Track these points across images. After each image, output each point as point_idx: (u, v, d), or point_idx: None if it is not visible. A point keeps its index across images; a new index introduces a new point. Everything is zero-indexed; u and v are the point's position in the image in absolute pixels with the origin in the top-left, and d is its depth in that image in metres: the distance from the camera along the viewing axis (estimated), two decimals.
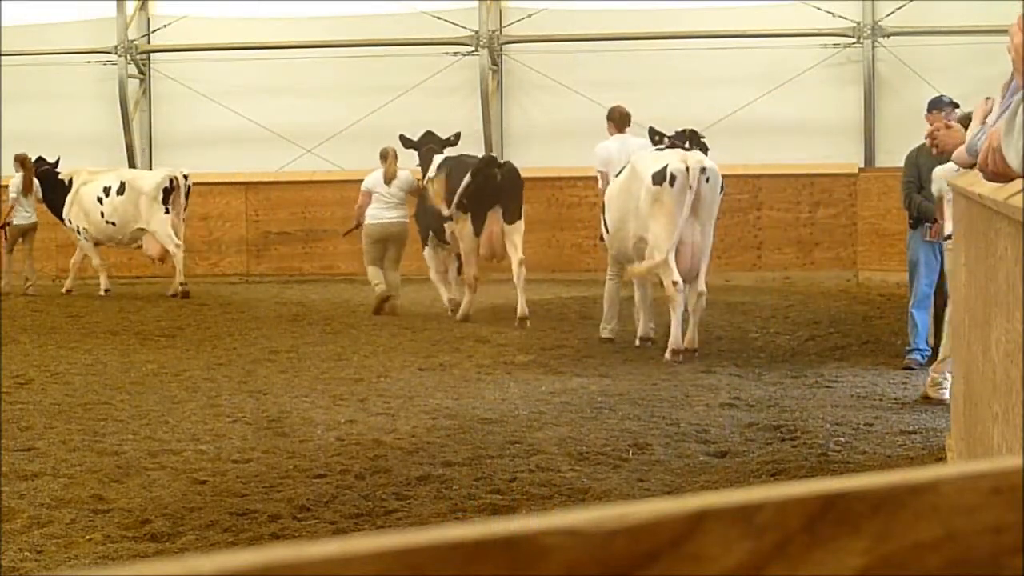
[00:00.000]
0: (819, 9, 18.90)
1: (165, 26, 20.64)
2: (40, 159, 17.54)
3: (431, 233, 14.31)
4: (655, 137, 12.16)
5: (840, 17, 18.93)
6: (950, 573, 0.97)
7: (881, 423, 8.57)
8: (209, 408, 9.22)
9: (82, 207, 17.15)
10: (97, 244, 17.34)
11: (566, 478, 7.12)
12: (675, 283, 11.21)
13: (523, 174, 16.19)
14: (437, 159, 14.34)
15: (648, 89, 18.88)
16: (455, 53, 19.93)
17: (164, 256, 16.94)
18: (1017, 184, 3.75)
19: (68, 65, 20.54)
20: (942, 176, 9.36)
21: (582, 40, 19.46)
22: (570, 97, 19.30)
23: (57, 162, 17.58)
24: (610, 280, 12.64)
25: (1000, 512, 0.98)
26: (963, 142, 6.31)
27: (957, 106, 10.65)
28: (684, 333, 11.36)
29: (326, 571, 0.83)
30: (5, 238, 17.46)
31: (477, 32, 19.82)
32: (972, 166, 5.51)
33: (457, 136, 14.68)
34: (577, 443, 7.94)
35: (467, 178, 13.54)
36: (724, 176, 12.03)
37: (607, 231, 12.13)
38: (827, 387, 9.92)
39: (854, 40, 18.98)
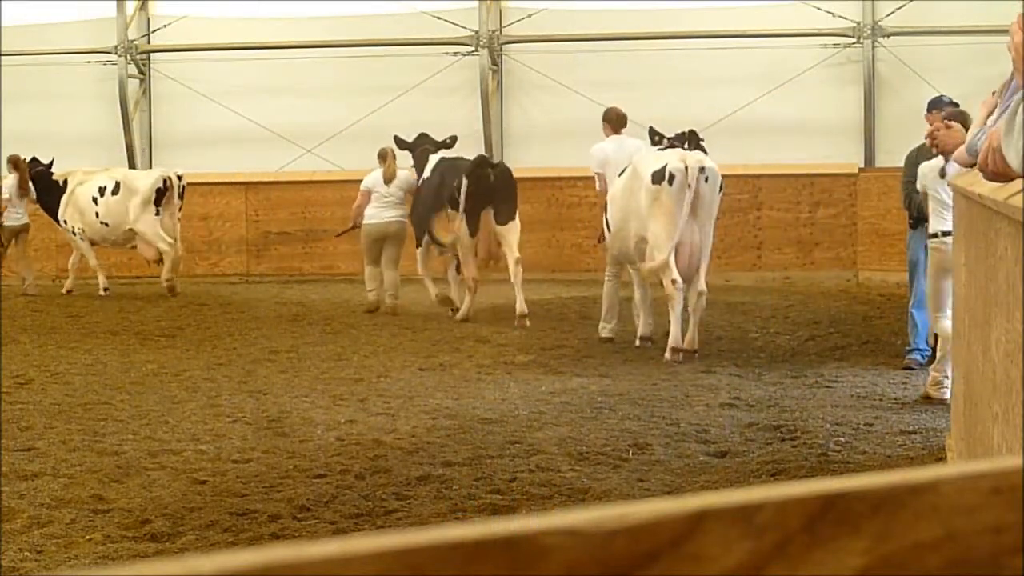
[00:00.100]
0: (819, 9, 18.90)
1: (165, 26, 20.63)
2: (34, 160, 17.53)
3: (427, 234, 14.34)
4: (654, 138, 12.16)
5: (840, 17, 18.93)
6: (950, 573, 0.97)
7: (881, 423, 8.57)
8: (209, 408, 9.22)
9: (77, 207, 17.15)
10: (92, 244, 17.34)
11: (566, 478, 7.12)
12: (674, 282, 11.21)
13: (523, 174, 16.19)
14: (433, 159, 14.38)
15: (648, 89, 18.88)
16: (455, 53, 19.93)
17: (160, 257, 16.95)
18: (1017, 184, 3.75)
19: (68, 65, 20.54)
20: (927, 172, 9.39)
21: (582, 40, 19.46)
22: (570, 97, 19.30)
23: (51, 163, 17.57)
24: (609, 280, 12.65)
25: (1000, 512, 0.98)
26: (963, 142, 6.32)
27: (957, 106, 10.65)
28: (684, 333, 11.36)
29: (326, 571, 0.83)
30: (1, 243, 17.45)
31: (477, 32, 19.82)
32: (972, 166, 5.51)
33: (453, 139, 14.69)
34: (577, 443, 7.94)
35: (464, 182, 13.56)
36: (724, 176, 12.02)
37: (609, 231, 12.13)
38: (827, 387, 9.92)
39: (854, 40, 18.98)
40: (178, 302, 16.10)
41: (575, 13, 19.62)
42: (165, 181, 16.84)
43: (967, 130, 8.93)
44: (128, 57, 20.50)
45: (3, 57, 19.79)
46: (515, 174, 14.36)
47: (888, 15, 18.85)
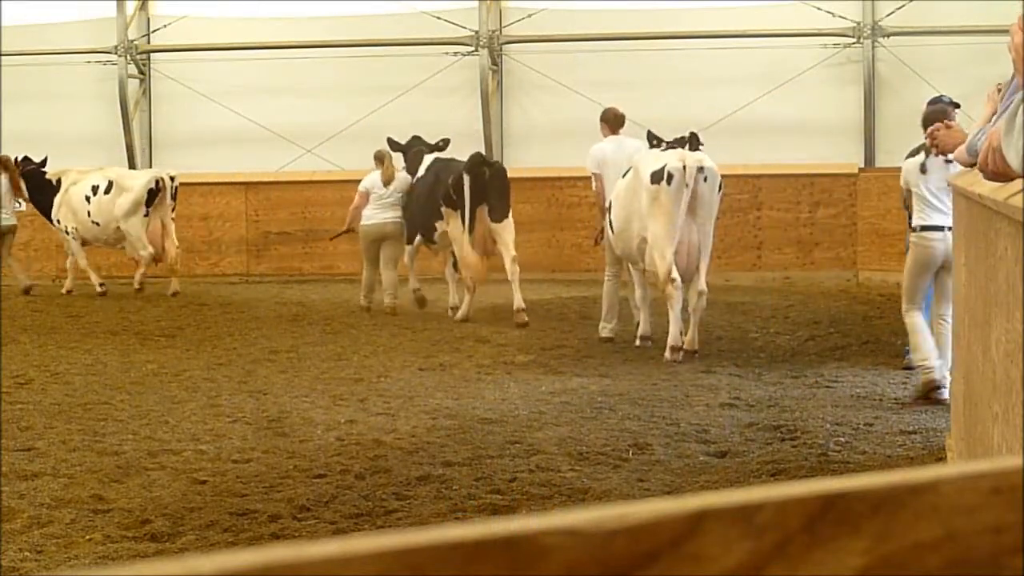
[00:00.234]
0: (819, 9, 18.90)
1: (165, 26, 20.63)
2: (26, 159, 17.53)
3: (419, 234, 14.38)
4: (653, 141, 12.18)
5: (840, 17, 18.93)
6: (950, 573, 0.97)
7: (881, 423, 8.57)
8: (209, 408, 9.22)
9: (71, 207, 17.15)
10: (84, 244, 17.35)
11: (566, 478, 7.12)
12: (673, 281, 11.22)
13: (523, 174, 16.21)
14: (427, 160, 14.44)
15: (648, 89, 18.89)
16: (455, 53, 19.93)
17: (160, 256, 16.96)
18: (1017, 184, 3.75)
19: (68, 65, 20.54)
20: (909, 169, 9.42)
21: (582, 40, 19.46)
22: (570, 97, 19.29)
23: (44, 162, 17.55)
24: (609, 280, 12.66)
25: (1000, 512, 0.98)
26: (963, 142, 6.32)
27: (958, 106, 10.65)
28: (684, 333, 11.36)
29: (326, 571, 0.83)
30: None
31: (477, 32, 19.82)
32: (972, 166, 5.51)
33: (446, 142, 14.73)
34: (577, 443, 7.94)
35: (466, 178, 13.58)
36: (724, 176, 12.02)
37: (612, 231, 12.14)
38: (827, 387, 9.92)
39: (854, 40, 18.98)
40: (178, 302, 16.10)
41: (575, 13, 19.62)
42: (158, 182, 16.83)
43: (940, 121, 9.09)
44: (128, 57, 20.50)
45: (3, 57, 19.80)
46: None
47: (888, 15, 18.85)
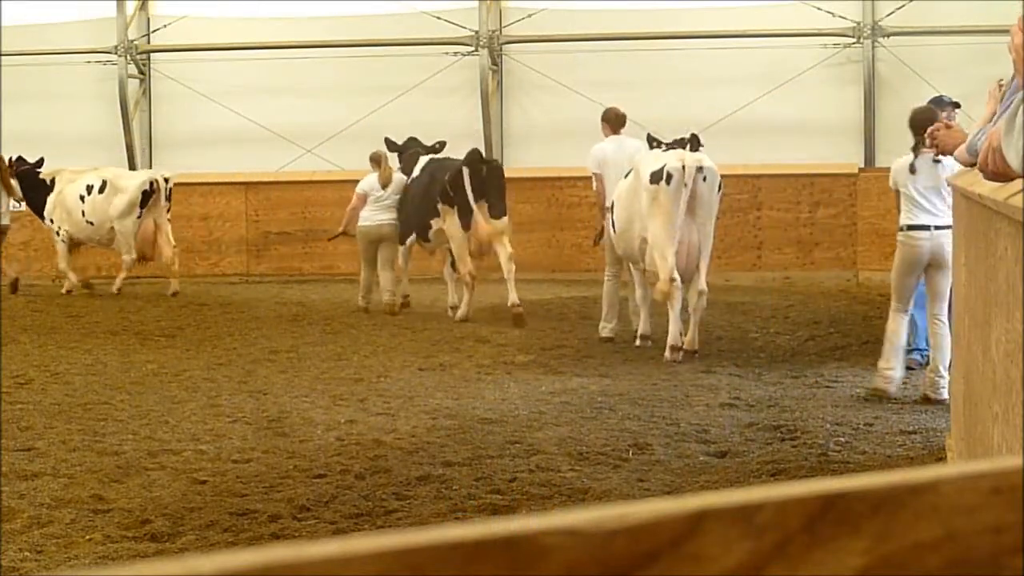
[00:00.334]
0: (819, 9, 18.90)
1: (165, 26, 20.63)
2: (20, 159, 17.53)
3: (415, 234, 14.41)
4: (652, 143, 12.20)
5: (840, 17, 18.93)
6: (950, 573, 0.97)
7: (881, 423, 8.57)
8: (209, 408, 9.22)
9: (65, 207, 17.16)
10: (79, 244, 17.36)
11: (566, 478, 7.12)
12: (672, 281, 11.22)
13: (523, 174, 16.22)
14: (422, 161, 14.48)
15: (648, 89, 18.89)
16: (455, 53, 19.92)
17: (152, 256, 16.96)
18: (1017, 184, 3.75)
19: (68, 65, 20.54)
20: (897, 169, 9.49)
21: (582, 40, 19.46)
22: (570, 97, 19.29)
23: (39, 162, 17.55)
24: (609, 280, 12.67)
25: (1000, 512, 0.98)
26: (963, 142, 6.32)
27: (958, 105, 10.66)
28: (684, 334, 11.37)
29: (326, 571, 0.83)
30: None
31: (477, 32, 19.82)
32: (972, 165, 5.51)
33: (442, 144, 14.77)
34: (577, 443, 7.94)
35: (466, 171, 13.61)
36: (724, 176, 12.03)
37: (614, 231, 12.14)
38: (827, 387, 9.92)
39: (854, 40, 18.98)
40: (178, 302, 16.10)
41: (575, 13, 19.62)
42: (152, 183, 16.83)
43: (927, 123, 9.19)
44: (128, 57, 20.50)
45: (3, 57, 19.79)
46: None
47: (888, 15, 18.85)
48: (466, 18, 19.84)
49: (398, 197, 14.64)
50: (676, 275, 11.28)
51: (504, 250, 13.74)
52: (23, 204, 17.57)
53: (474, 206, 13.62)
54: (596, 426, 8.46)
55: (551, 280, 17.86)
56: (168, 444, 8.04)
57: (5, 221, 17.39)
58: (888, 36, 18.83)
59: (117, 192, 16.77)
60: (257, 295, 17.05)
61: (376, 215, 14.62)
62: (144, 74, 20.89)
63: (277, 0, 19.99)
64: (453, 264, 14.30)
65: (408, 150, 14.89)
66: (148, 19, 20.91)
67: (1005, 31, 4.77)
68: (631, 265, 12.33)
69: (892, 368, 9.41)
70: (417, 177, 14.43)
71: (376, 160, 14.77)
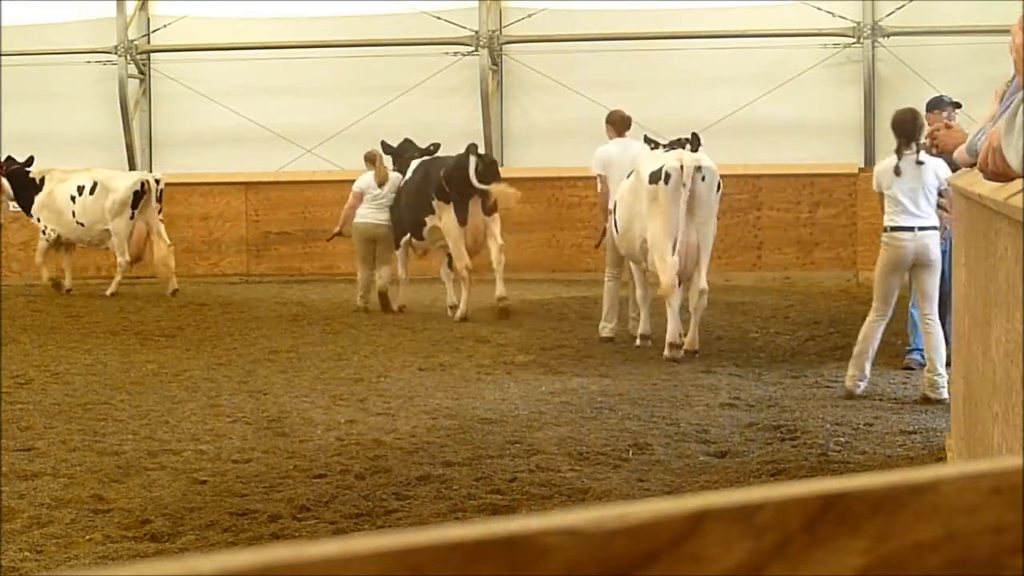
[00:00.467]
0: (819, 9, 18.90)
1: (165, 26, 20.63)
2: (9, 158, 17.54)
3: (408, 232, 14.43)
4: (650, 144, 12.23)
5: (840, 17, 18.93)
6: (950, 573, 0.97)
7: (881, 423, 8.57)
8: (209, 408, 9.22)
9: (55, 207, 17.16)
10: (71, 245, 17.36)
11: (566, 478, 7.12)
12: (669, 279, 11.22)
13: (523, 174, 16.22)
14: (414, 163, 14.53)
15: (648, 89, 18.89)
16: (455, 53, 19.92)
17: (140, 255, 16.97)
18: (1017, 184, 3.75)
19: (68, 65, 20.54)
20: (881, 171, 9.54)
21: (582, 40, 19.46)
22: (570, 97, 19.30)
23: (28, 161, 17.54)
24: (609, 280, 12.68)
25: (1000, 512, 0.98)
26: (963, 142, 6.32)
27: (959, 105, 10.66)
28: (683, 334, 11.37)
29: (326, 571, 0.83)
30: None
31: (477, 32, 19.82)
32: (973, 166, 5.51)
33: (436, 146, 14.82)
34: (577, 443, 7.93)
35: (472, 159, 13.66)
36: (724, 176, 12.02)
37: (616, 231, 12.15)
38: (827, 387, 9.91)
39: (854, 40, 18.98)
40: (178, 302, 16.10)
41: (575, 13, 19.62)
42: (143, 184, 16.83)
43: (911, 126, 9.21)
44: (128, 57, 20.50)
45: (3, 57, 19.79)
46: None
47: (888, 15, 18.85)
48: (466, 18, 19.84)
49: (395, 196, 14.67)
50: (674, 274, 11.27)
51: (495, 243, 13.82)
52: (14, 204, 17.58)
53: (481, 187, 13.62)
54: (596, 426, 8.46)
55: (551, 280, 17.86)
56: (168, 444, 8.04)
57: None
58: (888, 36, 18.83)
59: (108, 193, 16.77)
60: (257, 295, 17.05)
61: (374, 213, 14.65)
62: (144, 74, 20.89)
63: (277, 0, 19.99)
64: (450, 263, 14.32)
65: (403, 152, 14.94)
66: (148, 19, 20.91)
67: (1005, 31, 4.77)
68: (632, 264, 12.33)
69: (860, 372, 9.46)
70: (410, 179, 14.47)
71: (371, 159, 14.80)
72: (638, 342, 12.06)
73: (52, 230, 17.22)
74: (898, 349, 11.12)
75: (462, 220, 13.77)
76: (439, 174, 13.87)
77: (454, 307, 14.19)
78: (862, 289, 17.35)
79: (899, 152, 9.37)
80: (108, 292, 16.72)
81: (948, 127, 7.36)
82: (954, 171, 7.90)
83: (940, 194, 9.37)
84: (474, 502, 6.64)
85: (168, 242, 17.04)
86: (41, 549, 5.95)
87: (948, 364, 8.79)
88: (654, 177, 11.36)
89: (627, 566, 0.89)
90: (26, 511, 6.50)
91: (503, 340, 12.51)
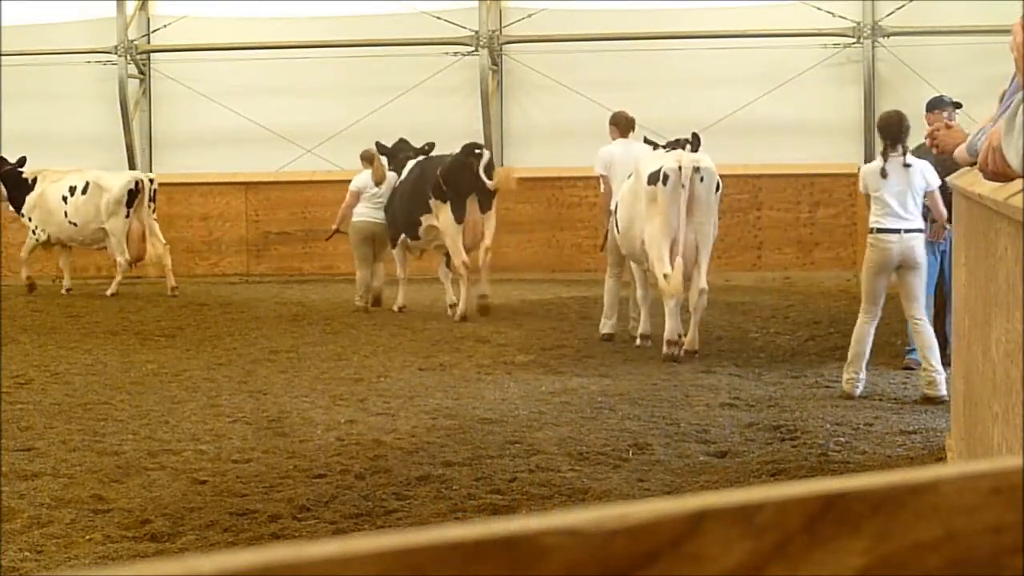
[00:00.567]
0: (819, 9, 18.90)
1: (165, 26, 20.64)
2: (1, 159, 17.54)
3: (402, 232, 14.45)
4: (650, 145, 12.24)
5: (840, 17, 18.93)
6: (950, 573, 0.97)
7: (881, 423, 8.57)
8: (209, 408, 9.22)
9: (46, 207, 17.16)
10: (65, 246, 17.36)
11: (566, 478, 7.12)
12: (666, 276, 11.22)
13: (523, 174, 16.21)
14: (410, 163, 14.54)
15: (648, 89, 18.89)
16: (455, 53, 19.93)
17: (142, 256, 16.96)
18: (1017, 184, 3.75)
19: (68, 65, 20.55)
20: (867, 173, 9.57)
21: (582, 40, 19.46)
22: (570, 97, 19.30)
23: (20, 161, 17.53)
24: (610, 278, 12.70)
25: (1000, 512, 0.98)
26: (963, 142, 6.32)
27: (959, 105, 10.67)
28: (684, 334, 11.37)
29: (326, 571, 0.83)
30: None
31: (477, 32, 19.82)
32: (973, 165, 5.52)
33: (431, 146, 14.81)
34: (577, 443, 7.93)
35: (485, 154, 13.72)
36: (724, 176, 12.02)
37: (618, 231, 12.16)
38: (827, 387, 9.92)
39: (854, 40, 18.99)
40: (178, 302, 16.10)
41: (575, 13, 19.63)
42: (137, 183, 16.83)
43: (899, 128, 9.12)
44: (128, 57, 20.50)
45: (3, 57, 19.80)
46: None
47: (888, 15, 18.86)
48: (466, 18, 19.85)
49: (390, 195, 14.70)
50: (670, 269, 11.27)
51: (484, 243, 13.90)
52: (9, 205, 17.58)
53: (489, 184, 13.65)
54: (596, 426, 8.46)
55: (551, 280, 17.86)
56: (168, 444, 8.04)
57: None
58: (888, 36, 18.83)
59: (102, 193, 16.77)
60: (257, 295, 17.05)
61: (373, 212, 14.66)
62: (144, 74, 20.90)
63: (277, 0, 19.99)
64: (448, 263, 14.33)
65: (399, 152, 14.94)
66: (148, 19, 20.92)
67: (1005, 31, 4.76)
68: (633, 264, 12.34)
69: (857, 374, 9.50)
70: (405, 178, 14.48)
71: (368, 159, 14.80)
72: (638, 342, 12.06)
73: (42, 230, 17.22)
74: (898, 349, 11.13)
75: (459, 218, 13.79)
76: (436, 173, 13.87)
77: (453, 305, 14.19)
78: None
79: (885, 154, 9.42)
80: (108, 292, 16.72)
81: (948, 127, 7.36)
82: (953, 171, 7.91)
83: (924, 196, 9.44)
84: (474, 502, 6.64)
85: (163, 241, 17.04)
86: (41, 549, 5.95)
87: (949, 364, 8.79)
88: (652, 178, 11.37)
89: (627, 566, 0.89)
90: (26, 511, 6.50)
91: (503, 340, 12.51)
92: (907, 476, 0.98)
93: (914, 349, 10.58)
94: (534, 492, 6.82)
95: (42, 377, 10.62)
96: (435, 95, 19.76)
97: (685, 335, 11.41)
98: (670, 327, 11.26)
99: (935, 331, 10.57)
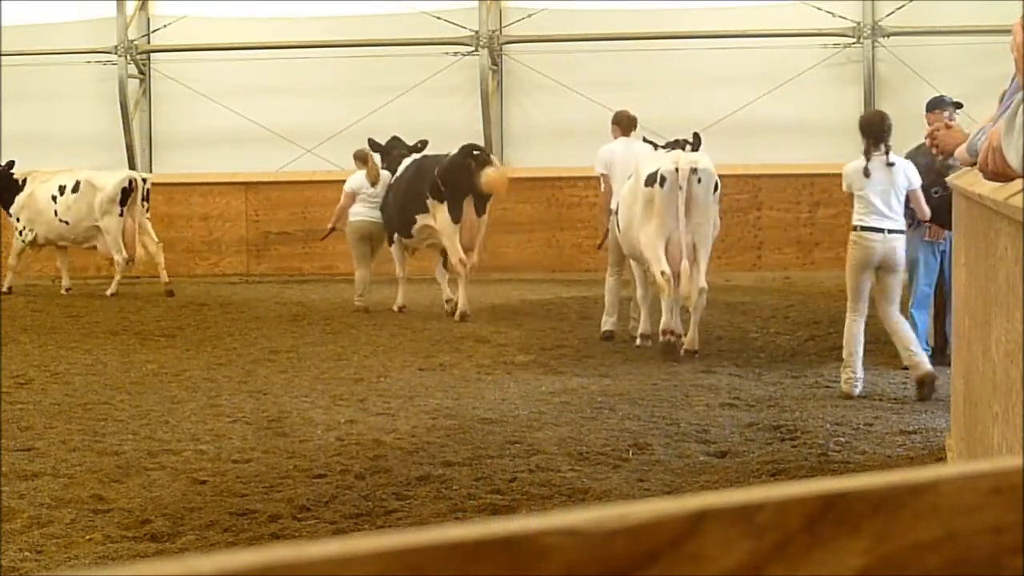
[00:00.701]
0: (819, 9, 18.90)
1: (165, 26, 20.64)
2: None
3: (396, 231, 14.46)
4: (650, 145, 12.25)
5: (840, 17, 18.94)
6: (950, 573, 0.97)
7: (881, 423, 8.57)
8: (209, 408, 9.22)
9: (36, 207, 17.15)
10: (58, 245, 17.35)
11: (566, 478, 7.12)
12: (663, 273, 11.22)
13: (523, 174, 16.21)
14: (406, 162, 14.53)
15: (648, 89, 18.89)
16: (455, 53, 19.93)
17: (135, 255, 16.96)
18: (1017, 184, 3.75)
19: (68, 65, 20.55)
20: (850, 172, 9.61)
21: (582, 40, 19.46)
22: (570, 97, 19.30)
23: (9, 164, 17.53)
24: (611, 277, 12.71)
25: (1000, 512, 0.98)
26: (963, 142, 6.32)
27: (960, 105, 10.68)
28: (684, 334, 11.38)
29: (326, 571, 0.83)
30: None
31: (477, 32, 19.82)
32: (973, 165, 5.52)
33: (424, 143, 14.80)
34: (577, 443, 7.93)
35: (491, 157, 13.79)
36: (724, 176, 12.02)
37: (619, 231, 12.17)
38: (827, 387, 9.92)
39: (854, 40, 18.99)
40: (178, 302, 16.10)
41: (575, 13, 19.63)
42: (130, 182, 16.83)
43: (882, 129, 9.21)
44: (128, 57, 20.50)
45: (3, 57, 19.80)
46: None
47: (888, 15, 18.86)
48: (466, 18, 19.85)
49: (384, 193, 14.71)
50: (667, 267, 11.27)
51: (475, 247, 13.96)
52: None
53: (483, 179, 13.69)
54: (596, 426, 8.46)
55: (551, 280, 17.86)
56: (168, 444, 8.04)
57: None
58: (888, 36, 18.83)
59: (95, 191, 16.76)
60: (257, 295, 17.05)
61: (370, 211, 14.66)
62: (144, 74, 20.90)
63: (277, 0, 19.99)
64: (444, 263, 14.33)
65: (392, 150, 14.92)
66: (148, 19, 20.92)
67: (1005, 31, 4.76)
68: (634, 264, 12.35)
69: (855, 374, 9.53)
70: (399, 176, 14.47)
71: (362, 158, 14.80)
72: (638, 342, 12.07)
73: (29, 230, 17.21)
74: (897, 349, 11.11)
75: (456, 218, 13.79)
76: (434, 172, 13.86)
77: (449, 301, 14.19)
78: None
79: (867, 154, 9.47)
80: (108, 292, 16.71)
81: (948, 127, 7.36)
82: (952, 171, 7.91)
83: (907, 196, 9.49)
84: (474, 502, 6.64)
85: (156, 239, 17.04)
86: (41, 549, 5.95)
87: (949, 364, 8.80)
88: (650, 180, 11.37)
89: (627, 566, 0.89)
90: (26, 511, 6.50)
91: (503, 340, 12.51)
92: (907, 476, 0.98)
93: None
94: (534, 492, 6.82)
95: (42, 377, 10.62)
96: (435, 95, 19.76)
97: (685, 335, 11.42)
98: (666, 319, 11.27)
99: (935, 331, 10.60)
